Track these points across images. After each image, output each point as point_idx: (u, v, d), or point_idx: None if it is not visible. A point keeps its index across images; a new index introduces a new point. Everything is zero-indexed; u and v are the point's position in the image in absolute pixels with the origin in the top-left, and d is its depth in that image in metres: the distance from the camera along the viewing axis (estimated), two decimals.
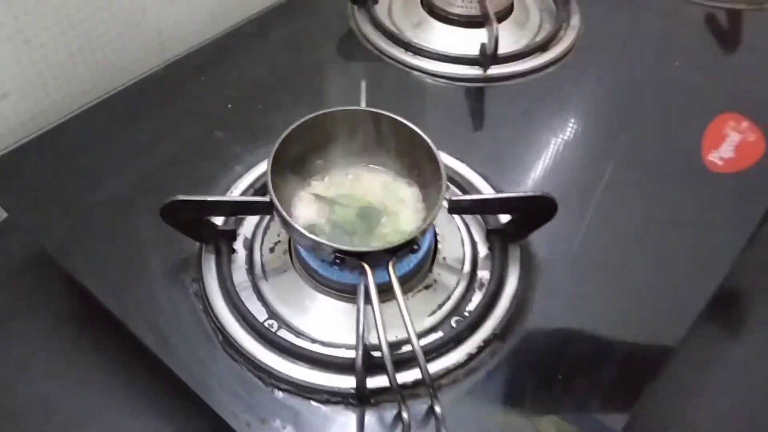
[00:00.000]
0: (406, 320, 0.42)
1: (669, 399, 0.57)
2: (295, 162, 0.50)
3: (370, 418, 0.44)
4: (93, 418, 0.52)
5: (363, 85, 0.57)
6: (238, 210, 0.50)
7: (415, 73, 0.68)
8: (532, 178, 0.59)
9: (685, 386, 0.58)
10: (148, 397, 0.52)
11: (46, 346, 0.56)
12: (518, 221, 0.50)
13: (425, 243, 0.48)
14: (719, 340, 0.62)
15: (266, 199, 0.46)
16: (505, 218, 0.52)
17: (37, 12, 0.60)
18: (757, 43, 0.76)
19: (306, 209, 0.50)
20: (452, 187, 0.56)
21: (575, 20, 0.74)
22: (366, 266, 0.43)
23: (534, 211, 0.49)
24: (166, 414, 0.51)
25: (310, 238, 0.43)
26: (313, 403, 0.44)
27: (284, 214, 0.43)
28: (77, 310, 0.58)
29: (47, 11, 0.61)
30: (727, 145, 0.62)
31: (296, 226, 0.43)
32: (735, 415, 0.57)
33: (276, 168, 0.47)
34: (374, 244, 0.47)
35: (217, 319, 0.47)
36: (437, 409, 0.42)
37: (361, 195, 0.51)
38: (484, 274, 0.51)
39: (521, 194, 0.48)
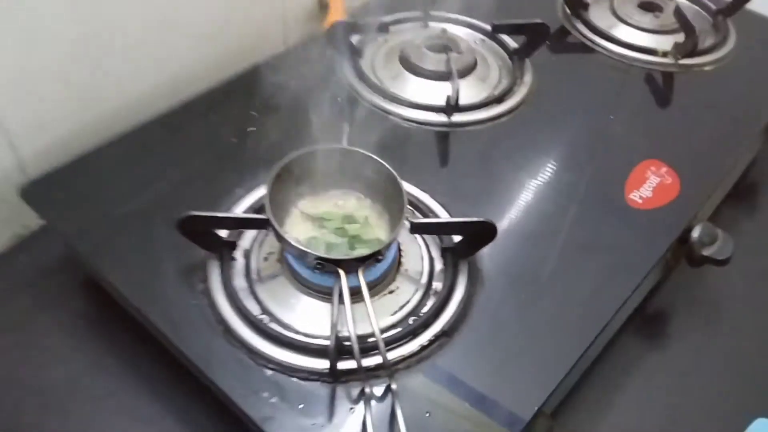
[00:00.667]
0: (371, 316, 0.52)
1: (593, 397, 0.66)
2: (287, 187, 0.61)
3: (339, 392, 0.52)
4: (108, 396, 0.60)
5: (347, 126, 0.68)
6: (240, 225, 0.60)
7: (391, 117, 0.77)
8: (483, 206, 0.68)
9: (610, 387, 0.67)
10: (154, 380, 0.61)
11: (70, 335, 0.64)
12: (467, 241, 0.61)
13: (389, 255, 0.59)
14: (642, 351, 0.71)
15: (264, 216, 0.56)
16: (457, 238, 0.62)
17: (75, 61, 0.71)
18: (684, 100, 0.87)
19: (297, 225, 0.61)
20: (416, 212, 0.65)
21: (528, 77, 0.84)
22: (341, 271, 0.54)
23: (479, 234, 0.59)
24: (170, 397, 0.60)
25: (297, 247, 0.54)
26: (294, 379, 0.52)
27: (278, 228, 0.54)
28: (95, 308, 0.66)
29: (85, 62, 0.72)
30: (647, 186, 0.72)
31: (287, 238, 0.54)
32: (653, 412, 0.66)
33: (271, 191, 0.58)
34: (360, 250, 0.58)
35: (219, 313, 0.55)
36: (393, 386, 0.52)
37: (340, 211, 0.62)
38: (438, 285, 0.60)
39: (469, 219, 0.59)
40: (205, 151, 0.72)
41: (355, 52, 0.85)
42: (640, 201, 0.71)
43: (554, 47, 0.93)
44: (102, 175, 0.67)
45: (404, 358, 0.55)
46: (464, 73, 0.83)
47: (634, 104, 0.87)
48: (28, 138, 0.71)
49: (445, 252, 0.63)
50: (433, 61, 0.82)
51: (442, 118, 0.78)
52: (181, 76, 0.85)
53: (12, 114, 0.68)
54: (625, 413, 0.66)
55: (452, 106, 0.76)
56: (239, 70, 0.83)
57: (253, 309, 0.57)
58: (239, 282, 0.59)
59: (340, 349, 0.52)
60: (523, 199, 0.71)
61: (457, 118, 0.78)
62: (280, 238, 0.55)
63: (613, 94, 0.88)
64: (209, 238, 0.59)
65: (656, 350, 0.73)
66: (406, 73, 0.84)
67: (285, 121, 0.76)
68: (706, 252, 0.70)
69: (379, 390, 0.52)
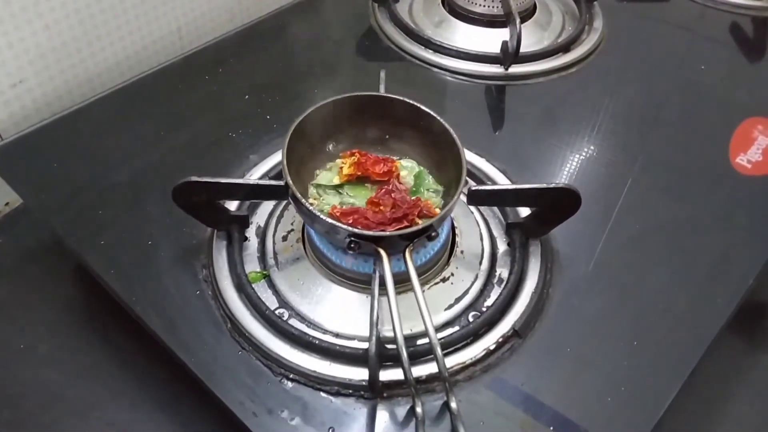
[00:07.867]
0: (423, 309, 0.40)
1: (692, 411, 0.54)
2: (312, 148, 0.49)
3: (382, 411, 0.42)
4: (95, 407, 0.51)
5: (383, 77, 0.56)
6: (253, 194, 0.49)
7: (435, 70, 0.68)
8: (551, 174, 0.58)
9: (708, 398, 0.56)
10: (153, 387, 0.52)
11: (51, 333, 0.56)
12: (539, 215, 0.49)
13: (443, 232, 0.46)
14: (743, 352, 0.60)
15: (281, 182, 0.45)
16: (525, 212, 0.51)
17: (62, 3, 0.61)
18: None
19: (324, 198, 0.48)
20: (470, 180, 0.54)
21: (598, 23, 0.74)
22: (382, 252, 0.41)
23: (556, 205, 0.47)
24: (170, 405, 0.50)
25: (326, 222, 0.42)
26: (322, 394, 0.42)
27: (299, 196, 0.42)
28: (83, 298, 0.58)
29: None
30: (756, 148, 0.61)
31: (311, 208, 0.42)
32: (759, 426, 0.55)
33: (291, 155, 0.45)
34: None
35: (226, 305, 0.46)
36: (453, 404, 0.40)
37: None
38: (502, 271, 0.49)
39: (543, 185, 0.46)
40: (212, 110, 0.63)
41: None
42: (749, 166, 0.60)
43: None
44: (86, 139, 0.59)
45: (465, 366, 0.44)
46: (522, 18, 0.71)
47: (723, 55, 0.76)
48: (4, 97, 0.61)
49: (511, 229, 0.51)
50: (485, 3, 0.71)
51: (497, 69, 0.68)
52: (186, 27, 0.74)
53: None
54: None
55: (511, 54, 0.65)
56: (253, 20, 0.73)
57: (269, 301, 0.47)
58: (252, 267, 0.49)
59: (382, 353, 0.41)
60: (600, 165, 0.59)
61: (516, 69, 0.67)
62: (300, 207, 0.43)
63: (697, 44, 0.77)
64: (214, 213, 0.49)
65: (761, 353, 0.60)
66: (452, 18, 0.74)
67: (308, 76, 0.68)
68: None
69: (433, 409, 0.42)
